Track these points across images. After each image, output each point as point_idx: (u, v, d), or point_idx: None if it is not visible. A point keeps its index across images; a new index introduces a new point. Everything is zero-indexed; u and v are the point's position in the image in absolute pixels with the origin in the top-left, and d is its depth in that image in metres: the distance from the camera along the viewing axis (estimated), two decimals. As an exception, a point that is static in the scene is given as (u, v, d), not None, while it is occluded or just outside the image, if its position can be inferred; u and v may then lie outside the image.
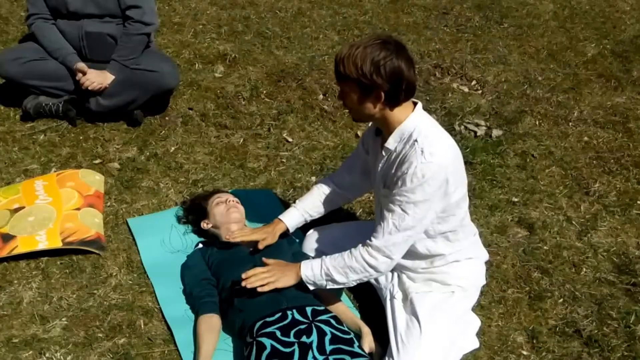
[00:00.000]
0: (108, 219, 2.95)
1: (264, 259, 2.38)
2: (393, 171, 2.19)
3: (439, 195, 2.13)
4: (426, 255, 2.35)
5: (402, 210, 2.13)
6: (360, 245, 2.24)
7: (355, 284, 2.30)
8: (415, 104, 2.21)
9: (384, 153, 2.24)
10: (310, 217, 2.63)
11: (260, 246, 2.50)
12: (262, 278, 2.27)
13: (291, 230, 2.61)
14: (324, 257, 2.29)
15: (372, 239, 2.21)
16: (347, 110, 2.29)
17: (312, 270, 2.27)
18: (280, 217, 2.60)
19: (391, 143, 2.20)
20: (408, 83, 2.09)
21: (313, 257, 2.58)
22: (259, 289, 2.25)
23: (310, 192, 2.66)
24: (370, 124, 2.48)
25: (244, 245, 2.61)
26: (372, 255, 2.20)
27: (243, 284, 2.27)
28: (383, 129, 2.24)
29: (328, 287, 2.29)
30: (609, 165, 3.40)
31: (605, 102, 3.91)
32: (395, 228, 2.15)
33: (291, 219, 2.60)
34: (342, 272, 2.24)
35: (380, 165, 2.27)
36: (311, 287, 2.30)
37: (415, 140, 2.12)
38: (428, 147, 2.09)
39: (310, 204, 2.62)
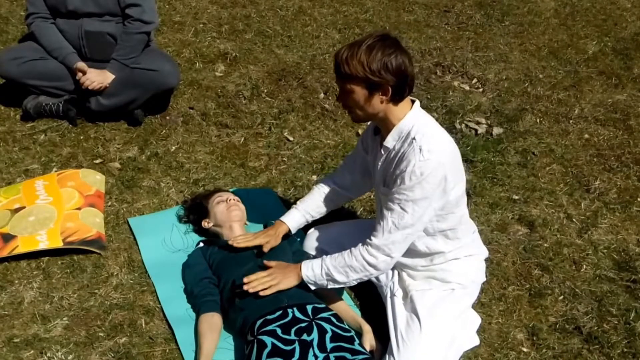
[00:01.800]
0: (109, 218, 2.96)
1: (265, 261, 2.39)
2: (392, 170, 2.19)
3: (438, 192, 2.13)
4: (426, 254, 2.36)
5: (402, 208, 2.14)
6: (360, 244, 2.24)
7: (356, 282, 2.30)
8: (413, 101, 2.21)
9: (382, 152, 2.25)
10: (311, 218, 2.63)
11: (265, 249, 2.49)
12: (264, 282, 2.29)
13: (293, 231, 2.61)
14: (324, 257, 2.30)
15: (372, 237, 2.21)
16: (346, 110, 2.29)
17: (312, 271, 2.28)
18: (282, 218, 2.60)
19: (390, 141, 2.20)
20: (411, 78, 2.12)
21: (314, 256, 2.60)
22: (261, 293, 2.27)
23: (311, 192, 2.65)
24: (368, 123, 2.48)
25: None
26: (372, 254, 2.20)
27: (245, 287, 2.29)
28: (382, 128, 2.24)
29: (329, 286, 2.29)
30: (609, 163, 3.40)
31: (606, 100, 3.91)
32: (395, 226, 2.16)
33: (293, 220, 2.59)
34: (343, 271, 2.24)
35: (380, 163, 2.28)
36: (312, 287, 2.31)
37: (414, 139, 2.12)
38: (426, 145, 2.09)
39: (312, 204, 2.62)
